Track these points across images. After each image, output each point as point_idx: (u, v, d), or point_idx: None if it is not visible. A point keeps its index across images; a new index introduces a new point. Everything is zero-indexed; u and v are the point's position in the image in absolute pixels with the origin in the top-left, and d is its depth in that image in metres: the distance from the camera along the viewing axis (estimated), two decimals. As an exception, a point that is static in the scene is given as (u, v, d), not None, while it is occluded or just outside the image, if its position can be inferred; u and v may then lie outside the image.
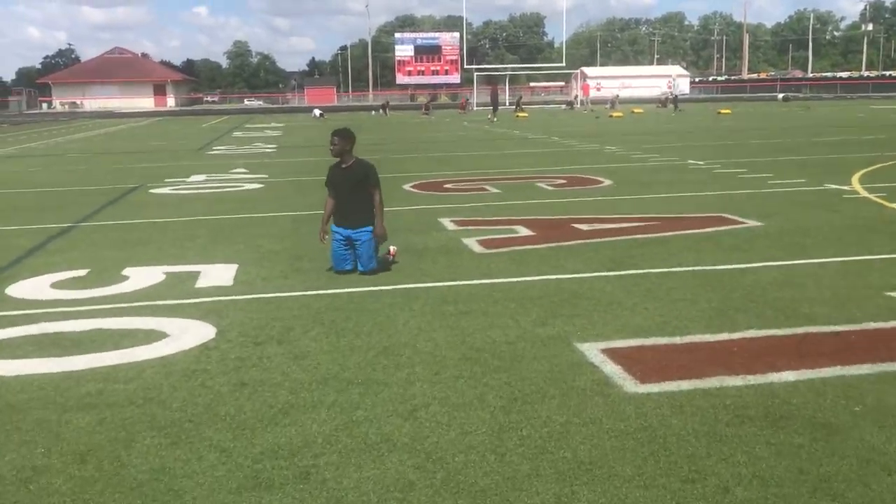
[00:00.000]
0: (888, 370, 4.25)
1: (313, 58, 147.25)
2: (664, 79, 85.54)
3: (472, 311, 5.54)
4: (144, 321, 5.49)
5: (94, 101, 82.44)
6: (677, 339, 4.86)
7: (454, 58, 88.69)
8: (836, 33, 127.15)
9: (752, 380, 4.17)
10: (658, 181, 12.76)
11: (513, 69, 73.05)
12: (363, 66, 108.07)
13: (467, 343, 4.87)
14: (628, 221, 9.02)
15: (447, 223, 9.21)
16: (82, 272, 7.09)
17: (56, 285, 6.61)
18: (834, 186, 11.44)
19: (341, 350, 4.78)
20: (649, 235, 8.14)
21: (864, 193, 10.75)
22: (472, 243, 7.97)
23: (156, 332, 5.22)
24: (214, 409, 3.95)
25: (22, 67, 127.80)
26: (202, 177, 15.20)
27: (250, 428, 3.71)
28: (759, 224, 8.64)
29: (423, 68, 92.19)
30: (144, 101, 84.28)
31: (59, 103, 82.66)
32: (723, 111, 40.04)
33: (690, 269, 6.70)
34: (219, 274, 6.87)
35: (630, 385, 4.14)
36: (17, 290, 6.47)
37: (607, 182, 12.74)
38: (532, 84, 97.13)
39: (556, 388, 4.12)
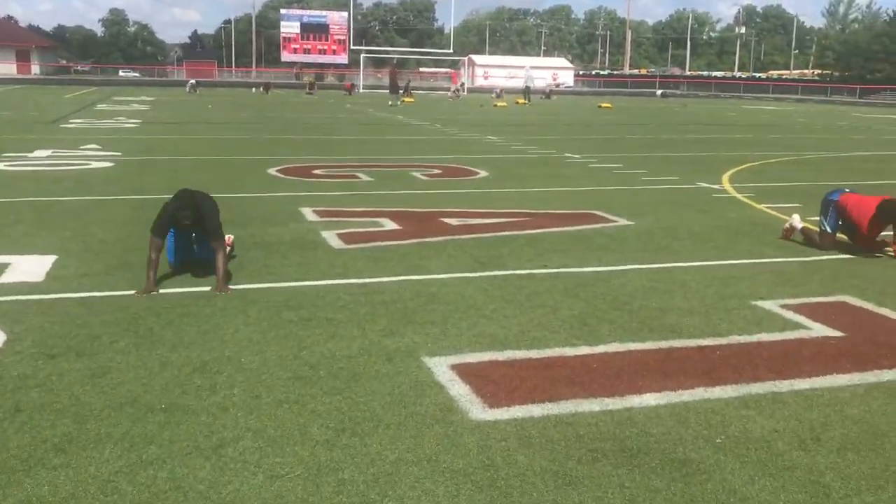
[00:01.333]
0: (752, 392, 3.95)
1: (196, 31, 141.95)
2: (550, 70, 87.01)
3: (316, 319, 4.95)
4: (-81, 326, 4.61)
5: (-52, 65, 76.18)
6: (534, 353, 4.43)
7: (342, 38, 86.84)
8: (712, 34, 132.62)
9: (611, 403, 3.78)
10: (533, 174, 12.48)
11: (400, 53, 72.28)
12: (248, 41, 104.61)
13: (301, 358, 4.27)
14: (499, 216, 8.62)
15: (308, 213, 8.55)
16: None
17: None
18: (705, 185, 11.45)
19: (150, 366, 4.09)
20: (518, 232, 7.76)
21: (734, 193, 10.78)
22: (330, 237, 7.36)
23: (-72, 341, 4.37)
24: (-30, 445, 3.21)
25: None
26: (47, 152, 13.87)
27: (8, 472, 3.00)
28: (629, 223, 8.42)
29: (309, 47, 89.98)
30: (5, 67, 78.49)
31: None
32: (603, 105, 40.76)
33: (556, 270, 6.33)
34: (30, 267, 5.99)
35: (477, 410, 3.66)
36: None
37: (483, 173, 12.36)
38: (422, 69, 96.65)
39: (393, 414, 3.60)
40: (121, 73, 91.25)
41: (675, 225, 8.37)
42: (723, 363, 4.36)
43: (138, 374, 3.97)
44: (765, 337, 4.82)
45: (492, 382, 3.99)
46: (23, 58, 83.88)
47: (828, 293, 5.86)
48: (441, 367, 4.18)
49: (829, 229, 7.29)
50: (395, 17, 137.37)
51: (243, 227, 7.72)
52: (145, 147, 15.27)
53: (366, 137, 18.98)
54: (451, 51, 63.70)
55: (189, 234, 5.87)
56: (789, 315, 5.28)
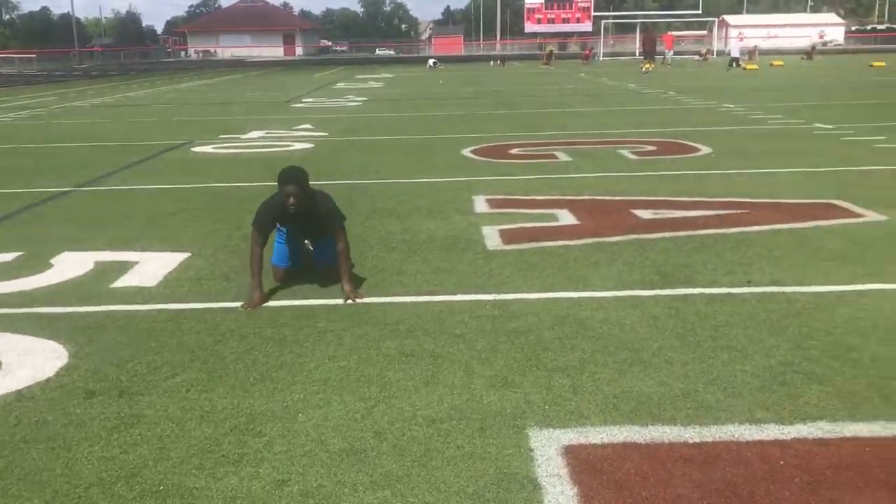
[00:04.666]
0: None
1: (448, 6, 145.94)
2: (815, 28, 78.71)
3: (418, 354, 3.93)
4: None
5: (226, 50, 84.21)
6: (693, 434, 3.08)
7: (586, 5, 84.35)
8: None
9: (793, 544, 2.40)
10: (767, 151, 10.50)
11: (644, 17, 68.64)
12: (495, 13, 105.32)
13: (372, 418, 3.28)
14: (706, 207, 7.06)
15: (480, 202, 7.54)
16: (12, 256, 5.93)
17: (-40, 276, 5.47)
18: None
19: (186, 419, 3.30)
20: (725, 230, 6.20)
21: None
22: (491, 234, 6.30)
23: (-12, 363, 3.92)
24: (-88, 530, 2.58)
25: (171, 18, 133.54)
26: (260, 133, 14.03)
27: (-84, 586, 2.31)
28: (881, 219, 6.50)
29: (553, 16, 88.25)
30: (274, 50, 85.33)
31: (193, 52, 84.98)
32: (876, 64, 35.59)
33: (763, 289, 4.80)
34: (153, 268, 5.53)
35: (573, 539, 2.45)
36: (-90, 281, 5.36)
37: (705, 150, 10.61)
38: (673, 33, 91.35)
39: (447, 533, 2.50)
40: (378, 51, 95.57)
41: (947, 223, 6.33)
42: None
43: (165, 432, 3.19)
44: None
45: (614, 485, 2.74)
46: (288, 41, 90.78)
47: None
48: (549, 449, 2.99)
49: None
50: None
51: (402, 219, 6.90)
52: (354, 126, 15.07)
53: (585, 110, 17.56)
54: (699, 11, 59.29)
55: (301, 232, 5.08)
56: None
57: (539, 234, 6.24)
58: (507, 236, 6.21)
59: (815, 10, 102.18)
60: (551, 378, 3.62)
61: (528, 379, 3.61)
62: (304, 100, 22.94)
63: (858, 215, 6.65)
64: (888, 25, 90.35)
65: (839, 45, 75.20)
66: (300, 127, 14.96)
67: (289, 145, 12.32)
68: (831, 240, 5.90)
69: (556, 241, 6.01)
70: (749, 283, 4.92)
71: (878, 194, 7.41)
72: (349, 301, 4.68)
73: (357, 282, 5.00)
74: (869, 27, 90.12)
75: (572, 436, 3.09)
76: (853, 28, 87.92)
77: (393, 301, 4.75)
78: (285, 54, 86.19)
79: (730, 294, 4.74)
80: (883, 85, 23.48)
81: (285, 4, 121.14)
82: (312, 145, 12.31)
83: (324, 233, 4.93)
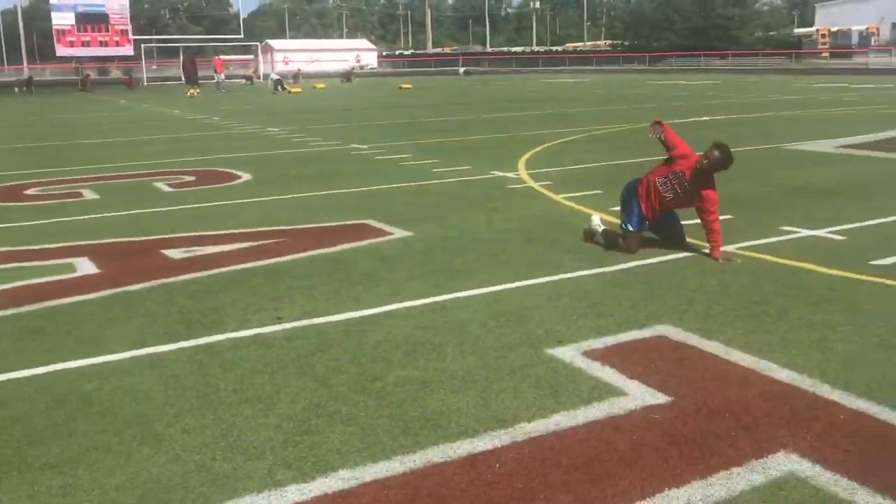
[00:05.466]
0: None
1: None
2: (352, 52, 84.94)
3: None
4: None
5: None
6: (205, 519, 2.68)
7: (124, 28, 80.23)
8: (509, 10, 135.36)
9: None
10: (307, 174, 10.67)
11: (187, 41, 67.58)
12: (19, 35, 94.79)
13: None
14: (242, 239, 6.78)
15: (-23, 259, 6.32)
16: None
17: None
18: (500, 174, 10.12)
19: None
20: (259, 263, 5.96)
21: (530, 182, 9.51)
22: (-16, 298, 5.24)
23: None
24: None
25: None
26: None
27: None
28: (407, 234, 6.84)
29: (88, 39, 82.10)
30: None
31: None
32: (404, 86, 39.43)
33: (293, 325, 4.61)
34: None
35: None
36: None
37: (245, 177, 10.41)
38: (223, 57, 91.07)
39: None
40: None
41: (459, 233, 6.87)
42: (503, 490, 2.81)
43: None
44: (563, 422, 3.34)
45: None
46: None
47: (642, 323, 4.52)
48: (17, 588, 2.35)
49: (631, 228, 6.06)
50: (186, 4, 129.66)
51: None
52: None
53: (123, 139, 16.35)
54: (241, 36, 60.15)
55: None
56: (595, 370, 3.86)
57: (47, 292, 5.35)
58: (6, 299, 5.22)
59: (350, 35, 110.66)
60: (37, 481, 2.94)
61: (3, 488, 2.88)
62: None
63: (386, 233, 6.91)
64: (412, 51, 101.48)
65: (374, 68, 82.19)
66: None
67: None
68: (363, 261, 6.00)
69: (68, 298, 5.19)
70: (280, 320, 4.70)
71: (403, 210, 7.85)
72: None
73: None
74: (397, 52, 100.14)
75: (53, 560, 2.48)
76: (384, 53, 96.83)
77: None
78: None
79: (258, 335, 4.46)
80: (409, 105, 25.92)
81: None
82: None
83: None
